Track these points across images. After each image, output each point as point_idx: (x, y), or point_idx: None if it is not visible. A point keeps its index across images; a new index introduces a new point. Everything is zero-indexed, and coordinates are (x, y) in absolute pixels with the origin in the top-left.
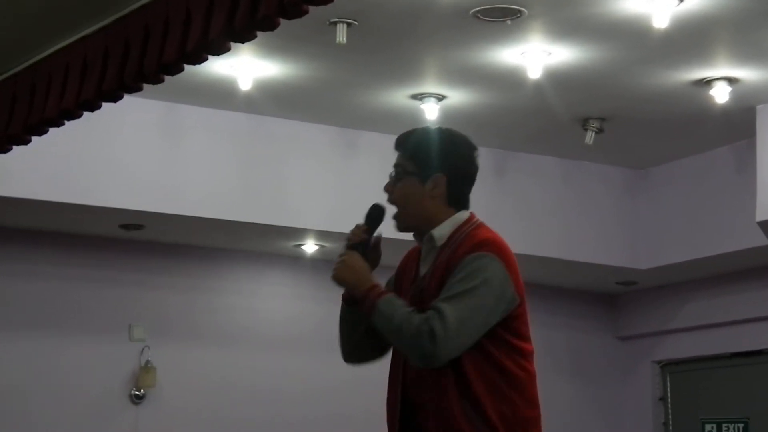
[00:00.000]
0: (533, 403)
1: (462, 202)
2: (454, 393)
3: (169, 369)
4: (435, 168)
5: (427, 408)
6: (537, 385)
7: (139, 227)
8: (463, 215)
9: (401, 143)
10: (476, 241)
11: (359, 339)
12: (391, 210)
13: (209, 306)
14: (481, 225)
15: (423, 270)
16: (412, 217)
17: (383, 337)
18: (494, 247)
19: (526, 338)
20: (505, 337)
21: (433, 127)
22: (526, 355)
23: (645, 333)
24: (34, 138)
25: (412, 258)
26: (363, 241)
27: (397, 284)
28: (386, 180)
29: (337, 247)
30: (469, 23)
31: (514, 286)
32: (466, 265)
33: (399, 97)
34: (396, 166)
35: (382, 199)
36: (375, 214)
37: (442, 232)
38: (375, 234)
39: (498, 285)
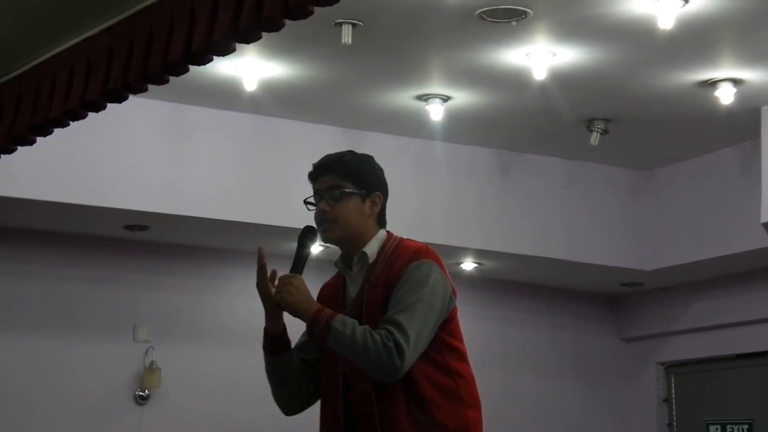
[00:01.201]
0: (475, 403)
1: (384, 222)
2: (402, 399)
3: (173, 370)
4: (373, 187)
5: (374, 418)
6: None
7: (144, 228)
8: (383, 233)
9: (331, 166)
10: (412, 251)
11: (292, 388)
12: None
13: (214, 307)
14: (402, 238)
15: (353, 290)
16: (349, 233)
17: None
18: (430, 254)
19: (460, 339)
20: (444, 339)
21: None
22: (463, 356)
23: (650, 334)
24: (39, 139)
25: (333, 287)
26: (302, 260)
27: None
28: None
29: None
30: (474, 24)
31: (450, 289)
32: (410, 275)
33: (404, 97)
34: (330, 187)
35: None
36: (310, 236)
37: (372, 249)
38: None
39: (441, 290)
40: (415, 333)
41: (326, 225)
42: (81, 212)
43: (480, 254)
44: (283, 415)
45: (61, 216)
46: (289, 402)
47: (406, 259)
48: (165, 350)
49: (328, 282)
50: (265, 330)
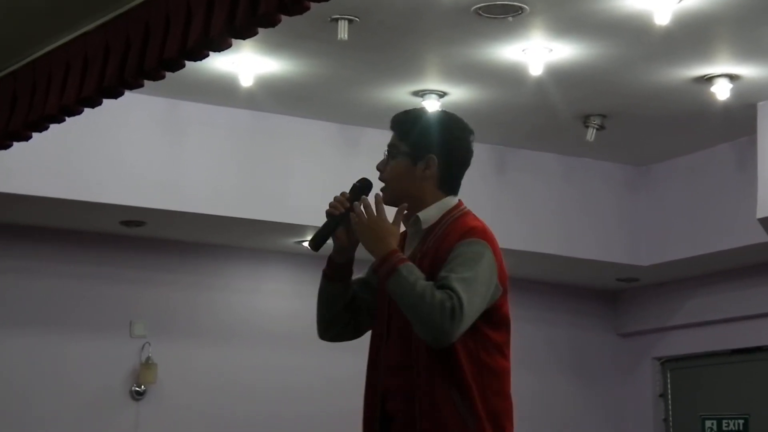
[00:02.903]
0: (508, 394)
1: (453, 187)
2: (439, 379)
3: (169, 365)
4: (427, 149)
5: (408, 393)
6: (511, 379)
7: (140, 224)
8: (451, 201)
9: (396, 123)
10: (468, 228)
11: (336, 315)
12: (379, 187)
13: (210, 303)
14: (469, 212)
15: (409, 246)
16: (401, 196)
17: (370, 311)
18: (485, 235)
19: (505, 330)
20: (484, 329)
21: (424, 108)
22: (502, 348)
23: (646, 330)
24: (34, 134)
25: (403, 237)
26: (345, 211)
27: None
28: None
29: None
30: (470, 20)
31: (498, 276)
32: (462, 250)
33: (400, 93)
34: (390, 146)
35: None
36: (362, 187)
37: (428, 215)
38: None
39: (489, 274)
40: (468, 304)
41: (383, 186)
42: (77, 208)
43: None
44: (278, 411)
45: (57, 212)
46: (326, 328)
47: (458, 235)
48: (161, 346)
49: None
50: (330, 256)
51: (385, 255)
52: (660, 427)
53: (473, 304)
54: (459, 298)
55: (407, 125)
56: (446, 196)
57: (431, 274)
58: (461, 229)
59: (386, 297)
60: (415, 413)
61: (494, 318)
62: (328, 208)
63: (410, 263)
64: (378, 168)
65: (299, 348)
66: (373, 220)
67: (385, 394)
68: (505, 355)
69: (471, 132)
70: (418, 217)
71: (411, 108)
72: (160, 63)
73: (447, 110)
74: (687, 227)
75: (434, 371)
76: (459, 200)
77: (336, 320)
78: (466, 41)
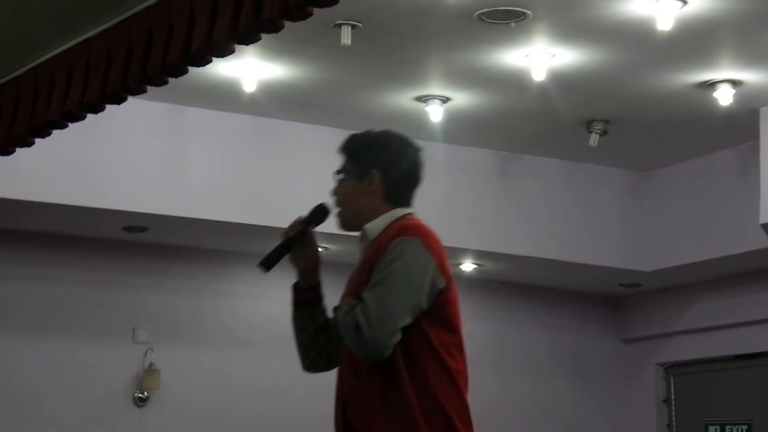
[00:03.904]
0: (459, 394)
1: (400, 199)
2: (378, 378)
3: (172, 371)
4: (369, 164)
5: (358, 400)
6: (467, 379)
7: (143, 229)
8: (399, 212)
9: (342, 147)
10: (399, 230)
11: (307, 342)
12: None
13: (213, 308)
14: (412, 220)
15: (357, 263)
16: (350, 215)
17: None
18: (416, 232)
19: (454, 330)
20: (426, 330)
21: (371, 129)
22: (449, 348)
23: (649, 335)
24: (37, 140)
25: None
26: (299, 234)
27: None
28: None
29: (344, 249)
30: (473, 25)
31: (438, 269)
32: (388, 252)
33: (403, 99)
34: (338, 171)
35: None
36: (319, 212)
37: (374, 226)
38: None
39: (421, 266)
40: (379, 308)
41: (337, 211)
42: (80, 214)
43: (479, 255)
44: (282, 417)
45: (60, 217)
46: (303, 357)
47: (389, 239)
48: (164, 352)
49: None
50: (295, 283)
51: (307, 287)
52: None
53: (387, 304)
54: (364, 308)
55: (351, 146)
56: (394, 208)
57: (368, 277)
58: (394, 233)
59: None
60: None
61: (435, 319)
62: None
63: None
64: (331, 194)
65: None
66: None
67: (345, 405)
68: (452, 355)
69: (417, 148)
70: (364, 228)
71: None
72: (163, 68)
73: (391, 129)
74: (690, 233)
75: (375, 373)
76: (410, 212)
77: (308, 350)
78: (469, 47)
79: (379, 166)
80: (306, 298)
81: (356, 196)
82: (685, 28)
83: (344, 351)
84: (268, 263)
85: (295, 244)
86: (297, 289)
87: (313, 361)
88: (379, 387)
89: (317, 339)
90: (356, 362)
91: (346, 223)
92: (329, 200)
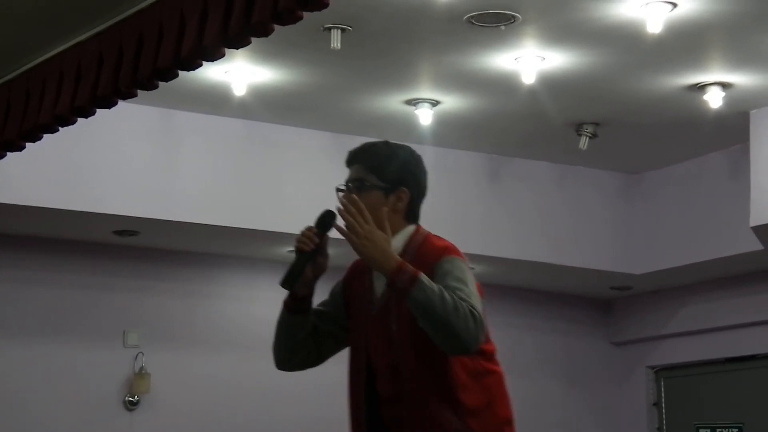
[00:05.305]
0: (505, 401)
1: (415, 216)
2: (433, 385)
3: (163, 375)
4: (401, 182)
5: (404, 399)
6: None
7: (133, 233)
8: (411, 228)
9: (363, 156)
10: (441, 247)
11: (297, 344)
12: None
13: (204, 312)
14: (430, 234)
15: (379, 285)
16: None
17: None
18: (459, 252)
19: (489, 339)
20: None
21: (389, 141)
22: (490, 356)
23: (639, 338)
24: (28, 144)
25: (362, 271)
26: (318, 246)
27: (346, 294)
28: None
29: (339, 252)
30: (463, 29)
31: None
32: (447, 268)
33: (393, 102)
34: (355, 179)
35: None
36: (328, 219)
37: (396, 244)
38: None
39: (475, 287)
40: (479, 304)
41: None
42: (70, 218)
43: (469, 259)
44: (273, 420)
45: (50, 221)
46: (286, 359)
47: (433, 257)
48: (155, 356)
49: (358, 261)
50: (294, 290)
51: (396, 266)
52: None
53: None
54: (474, 306)
55: (378, 159)
56: (409, 225)
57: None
58: (435, 251)
59: (364, 333)
60: None
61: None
62: (296, 244)
63: (422, 273)
64: (345, 199)
65: None
66: (367, 230)
67: (387, 426)
68: (495, 362)
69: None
70: None
71: (371, 141)
72: (153, 72)
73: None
74: (680, 235)
75: (427, 377)
76: (417, 225)
77: (298, 348)
78: (458, 50)
79: (408, 184)
80: (301, 304)
81: (381, 212)
82: (674, 31)
83: (383, 371)
84: (290, 281)
85: (315, 257)
86: (294, 295)
87: (301, 361)
88: (439, 408)
89: (306, 342)
90: (404, 383)
91: None
92: (328, 201)
